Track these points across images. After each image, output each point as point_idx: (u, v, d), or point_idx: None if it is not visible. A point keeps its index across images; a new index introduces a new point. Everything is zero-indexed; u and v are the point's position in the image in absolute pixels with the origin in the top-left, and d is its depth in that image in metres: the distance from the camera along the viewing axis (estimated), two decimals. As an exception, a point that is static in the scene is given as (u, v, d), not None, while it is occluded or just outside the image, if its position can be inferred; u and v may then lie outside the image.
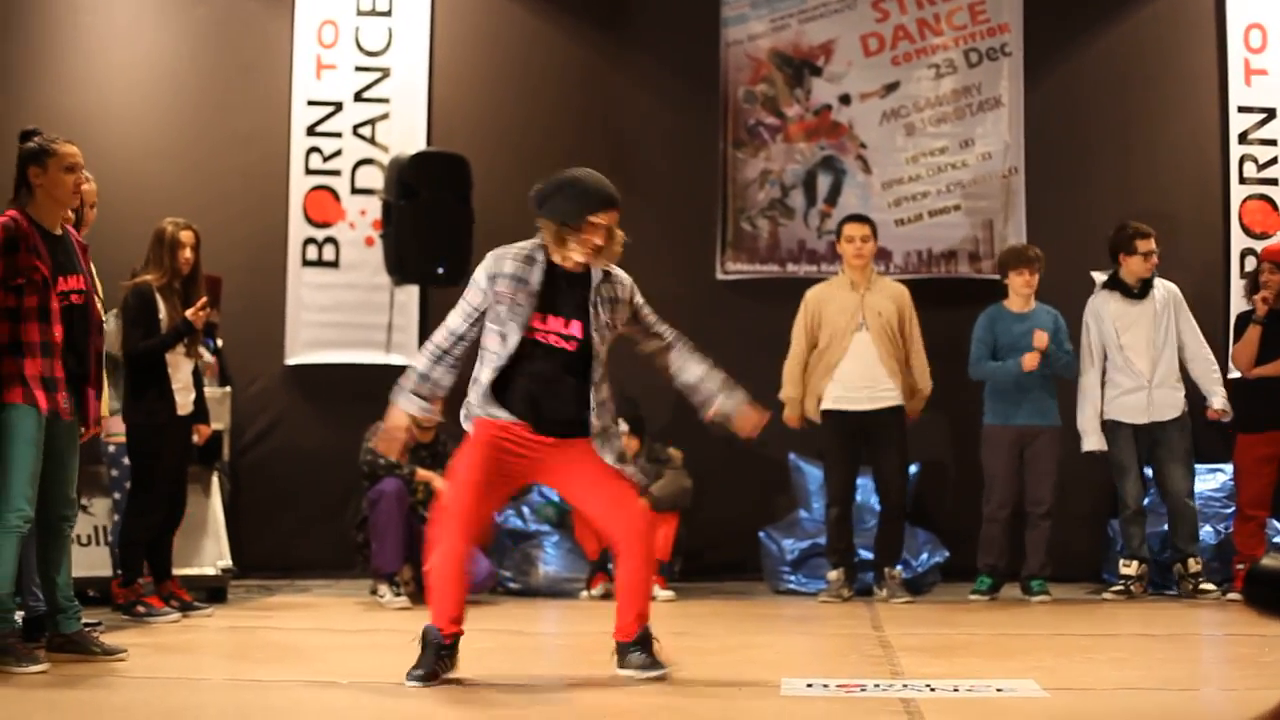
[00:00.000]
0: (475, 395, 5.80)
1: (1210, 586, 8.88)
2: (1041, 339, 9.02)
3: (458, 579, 5.75)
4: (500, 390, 5.76)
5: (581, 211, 5.72)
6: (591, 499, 5.93)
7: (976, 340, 9.23)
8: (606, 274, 5.84)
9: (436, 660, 5.66)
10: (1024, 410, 9.12)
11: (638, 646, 5.77)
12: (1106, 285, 9.19)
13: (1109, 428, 9.14)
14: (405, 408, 5.90)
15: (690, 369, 6.03)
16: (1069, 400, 9.26)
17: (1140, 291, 9.13)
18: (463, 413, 5.86)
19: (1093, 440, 9.18)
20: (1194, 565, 8.95)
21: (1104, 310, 9.18)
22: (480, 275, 5.79)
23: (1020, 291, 9.22)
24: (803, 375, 9.13)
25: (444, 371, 5.86)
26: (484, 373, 5.78)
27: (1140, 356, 9.08)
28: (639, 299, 5.97)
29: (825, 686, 5.60)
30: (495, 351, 5.75)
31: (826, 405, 9.08)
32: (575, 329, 5.76)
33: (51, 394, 6.05)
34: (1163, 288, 9.18)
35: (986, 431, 9.24)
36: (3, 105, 9.83)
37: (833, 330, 9.06)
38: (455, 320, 5.84)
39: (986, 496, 9.17)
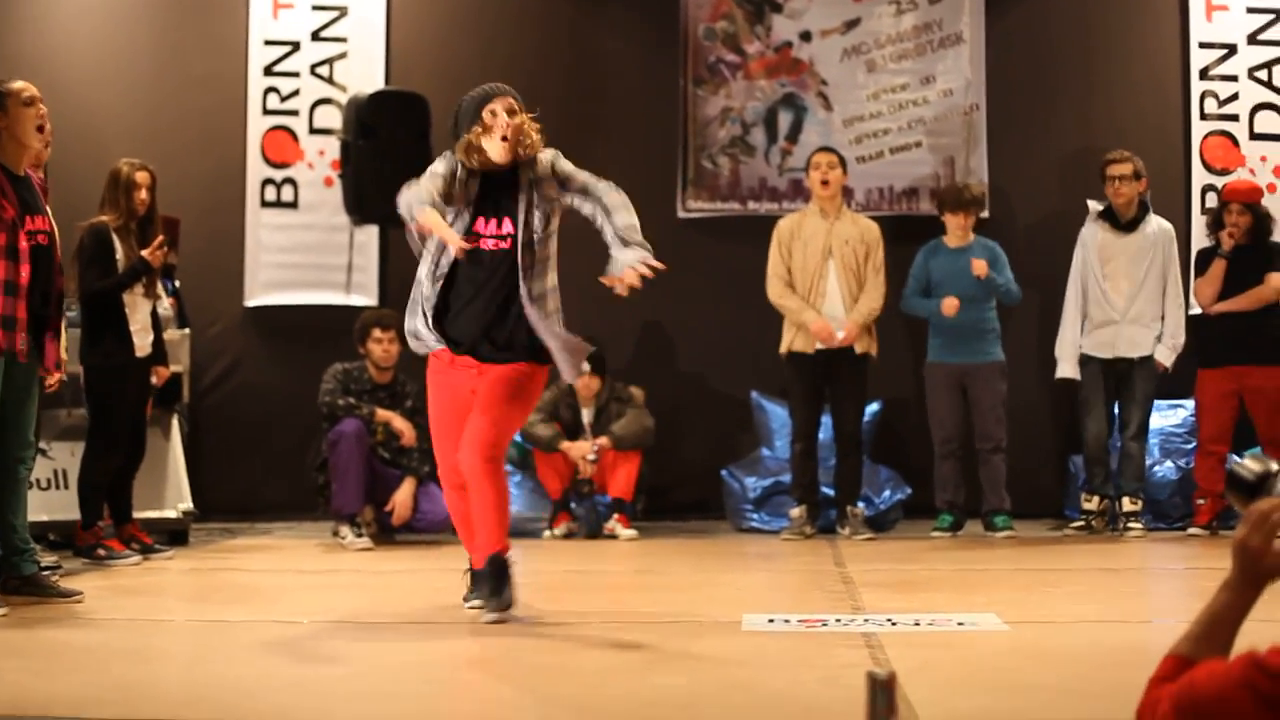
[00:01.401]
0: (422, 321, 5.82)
1: (1137, 526, 8.92)
2: (980, 267, 9.01)
3: (464, 520, 5.91)
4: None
5: (475, 113, 5.75)
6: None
7: (911, 275, 9.22)
8: (530, 162, 5.78)
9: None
10: (963, 348, 9.10)
11: (485, 579, 5.71)
12: (1100, 215, 9.18)
13: (1081, 362, 9.14)
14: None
15: (608, 225, 5.69)
16: (1013, 336, 9.31)
17: (1129, 225, 9.12)
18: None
19: (1066, 368, 9.19)
20: (1129, 504, 8.99)
21: (1090, 240, 9.16)
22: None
23: (954, 232, 9.22)
24: (794, 292, 9.03)
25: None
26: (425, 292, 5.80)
27: (1117, 290, 9.05)
28: (562, 165, 5.79)
29: (787, 622, 5.62)
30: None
31: (793, 346, 9.06)
32: (507, 227, 5.75)
33: (10, 334, 5.99)
34: (1156, 224, 9.14)
35: (927, 369, 9.25)
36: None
37: (803, 259, 9.02)
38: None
39: (934, 435, 9.19)
